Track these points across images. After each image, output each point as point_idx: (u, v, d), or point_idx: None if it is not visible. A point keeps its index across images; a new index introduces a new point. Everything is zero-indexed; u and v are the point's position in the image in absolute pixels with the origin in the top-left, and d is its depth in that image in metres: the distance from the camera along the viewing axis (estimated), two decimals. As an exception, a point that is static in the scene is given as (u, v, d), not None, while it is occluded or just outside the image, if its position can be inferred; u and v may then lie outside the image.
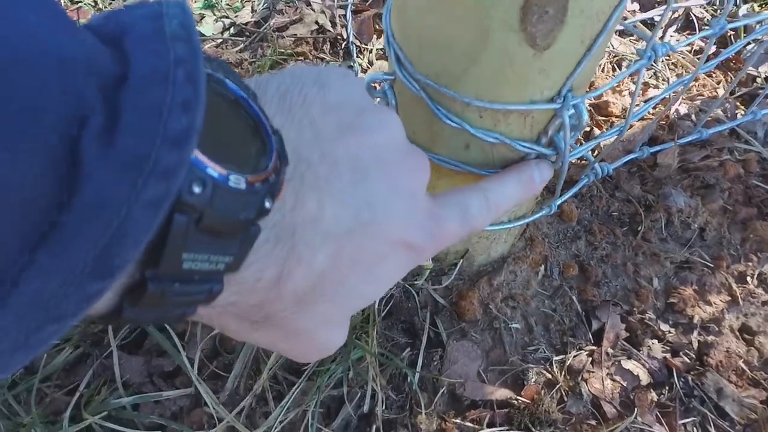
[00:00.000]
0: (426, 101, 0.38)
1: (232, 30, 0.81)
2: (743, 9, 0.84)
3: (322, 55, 0.76)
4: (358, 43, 0.78)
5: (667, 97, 0.51)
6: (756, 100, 0.62)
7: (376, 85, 0.43)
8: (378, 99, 0.44)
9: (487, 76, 0.35)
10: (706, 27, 0.84)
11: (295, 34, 0.77)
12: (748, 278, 0.58)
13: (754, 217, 0.61)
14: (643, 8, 0.85)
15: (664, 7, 0.83)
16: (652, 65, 0.77)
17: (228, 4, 0.85)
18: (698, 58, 0.79)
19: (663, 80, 0.74)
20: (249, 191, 0.15)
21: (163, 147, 0.12)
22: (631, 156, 0.59)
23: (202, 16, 0.83)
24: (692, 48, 0.79)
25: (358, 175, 0.21)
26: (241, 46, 0.78)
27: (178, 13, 0.14)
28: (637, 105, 0.72)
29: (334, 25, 0.80)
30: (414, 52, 0.38)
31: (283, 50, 0.74)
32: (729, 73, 0.76)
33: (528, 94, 0.36)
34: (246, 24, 0.81)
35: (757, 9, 0.83)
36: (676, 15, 0.83)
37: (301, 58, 0.74)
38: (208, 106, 0.14)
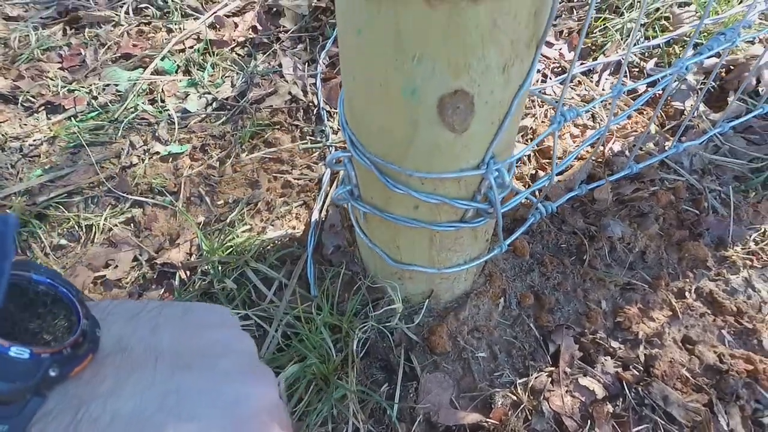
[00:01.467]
0: (376, 174, 0.46)
1: (214, 105, 0.90)
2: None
3: (296, 122, 0.84)
4: (329, 108, 0.87)
5: (602, 137, 0.59)
6: (677, 132, 0.72)
7: (341, 159, 0.51)
8: (341, 171, 0.52)
9: (423, 153, 0.43)
10: (635, 69, 0.95)
11: (271, 106, 0.86)
12: (686, 293, 0.66)
13: (686, 238, 0.69)
14: (582, 56, 0.95)
15: (602, 59, 0.94)
16: (592, 108, 0.86)
17: (210, 81, 0.94)
18: (631, 98, 0.89)
19: (600, 120, 0.84)
20: (32, 360, 0.17)
21: None
22: (572, 194, 0.67)
23: (187, 94, 0.92)
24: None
25: (179, 367, 0.21)
26: (223, 119, 0.87)
27: None
28: (576, 146, 0.81)
29: (305, 93, 0.90)
30: (364, 136, 0.46)
31: (260, 121, 0.83)
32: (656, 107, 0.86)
33: (457, 164, 0.44)
34: (227, 99, 0.90)
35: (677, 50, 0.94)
36: (609, 60, 0.93)
37: (277, 127, 0.83)
38: (10, 297, 0.17)
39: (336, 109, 0.88)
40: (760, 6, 0.83)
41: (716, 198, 0.73)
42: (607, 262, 0.67)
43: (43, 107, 0.89)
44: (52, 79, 0.93)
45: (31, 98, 0.90)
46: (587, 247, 0.67)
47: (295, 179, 0.75)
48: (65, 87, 0.92)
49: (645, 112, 0.85)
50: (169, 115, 0.87)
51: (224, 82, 0.94)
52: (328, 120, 0.85)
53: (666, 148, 0.78)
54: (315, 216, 0.69)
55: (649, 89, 0.83)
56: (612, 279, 0.65)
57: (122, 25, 1.04)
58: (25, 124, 0.87)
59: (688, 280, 0.67)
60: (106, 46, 1.00)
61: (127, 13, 1.07)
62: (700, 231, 0.70)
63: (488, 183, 0.46)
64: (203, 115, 0.88)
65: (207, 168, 0.78)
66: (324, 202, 0.71)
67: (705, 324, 0.63)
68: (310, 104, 0.88)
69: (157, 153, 0.80)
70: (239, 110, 0.87)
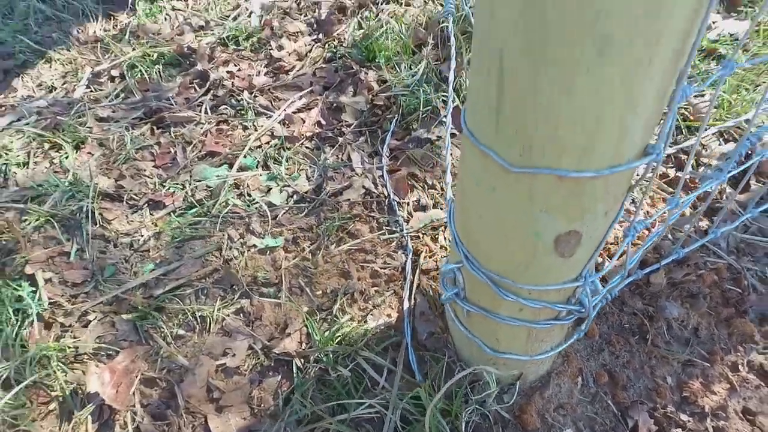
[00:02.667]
0: (490, 285, 0.56)
1: (295, 197, 1.02)
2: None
3: (372, 214, 0.96)
4: (397, 200, 0.99)
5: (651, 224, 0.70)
6: (716, 219, 0.82)
7: (453, 268, 0.61)
8: (454, 282, 0.62)
9: (536, 273, 0.53)
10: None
11: (349, 199, 0.98)
12: (740, 366, 0.74)
13: (733, 315, 0.78)
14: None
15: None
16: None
17: (287, 174, 1.06)
18: (666, 184, 1.00)
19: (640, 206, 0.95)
20: None
21: None
22: (630, 279, 0.77)
23: (269, 188, 1.04)
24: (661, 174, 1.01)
25: None
26: (305, 211, 0.98)
27: None
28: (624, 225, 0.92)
29: (376, 185, 1.02)
30: (481, 256, 0.56)
31: (343, 215, 0.94)
32: (689, 192, 0.97)
33: (561, 279, 0.54)
34: (305, 192, 1.02)
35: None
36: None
37: (357, 218, 0.94)
38: None
39: (403, 200, 0.99)
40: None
41: (754, 276, 0.83)
42: (667, 340, 0.76)
43: (145, 204, 1.00)
44: (149, 177, 1.06)
45: (134, 196, 1.02)
46: (648, 326, 0.76)
47: (380, 268, 0.86)
48: (162, 184, 1.04)
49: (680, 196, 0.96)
50: (257, 208, 0.99)
51: (300, 175, 1.06)
52: (398, 210, 0.96)
53: (700, 228, 0.89)
54: (406, 304, 0.79)
55: (691, 193, 0.96)
56: (674, 356, 0.74)
57: (203, 124, 1.18)
58: (132, 221, 0.98)
59: (739, 354, 0.75)
60: (191, 144, 1.13)
61: (205, 112, 1.21)
62: (744, 308, 0.79)
63: (582, 290, 0.56)
64: (287, 208, 0.99)
65: (302, 260, 0.88)
66: (411, 291, 0.81)
67: (761, 395, 0.71)
68: (381, 195, 1.00)
69: (254, 246, 0.91)
70: (319, 203, 0.99)
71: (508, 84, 0.40)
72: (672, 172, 1.01)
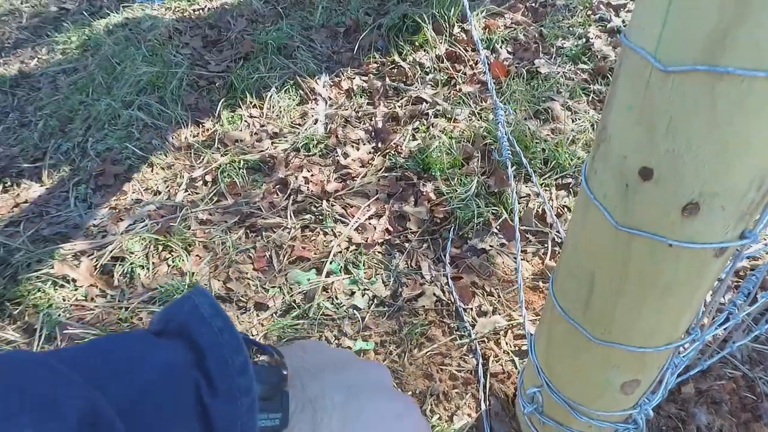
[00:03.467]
0: (566, 408, 0.75)
1: (375, 301, 1.21)
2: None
3: (444, 319, 1.15)
4: (463, 306, 1.19)
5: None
6: (733, 334, 1.01)
7: (535, 391, 0.80)
8: (533, 399, 0.81)
9: (604, 403, 0.72)
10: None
11: (423, 306, 1.18)
12: (759, 465, 0.91)
13: (750, 419, 0.96)
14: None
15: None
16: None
17: (366, 278, 1.27)
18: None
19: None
20: (273, 369, 0.27)
21: (238, 388, 0.24)
22: (667, 388, 0.95)
23: (352, 292, 1.24)
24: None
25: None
26: (387, 315, 1.18)
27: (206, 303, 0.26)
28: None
29: (444, 292, 1.22)
30: (559, 385, 0.75)
31: (421, 322, 1.14)
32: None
33: (623, 407, 0.73)
34: (384, 297, 1.22)
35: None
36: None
37: (432, 324, 1.13)
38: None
39: (467, 305, 1.19)
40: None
41: (766, 384, 1.01)
42: (698, 441, 0.94)
43: (252, 306, 1.20)
44: (251, 280, 1.26)
45: (241, 298, 1.22)
46: (682, 429, 0.94)
47: (456, 371, 1.04)
48: (263, 287, 1.24)
49: (698, 307, 1.16)
50: (345, 311, 1.18)
51: (377, 280, 1.26)
52: (465, 316, 1.16)
53: (718, 337, 1.08)
54: (483, 406, 0.97)
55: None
56: (704, 456, 0.91)
57: (289, 229, 1.40)
58: (242, 321, 1.17)
59: (758, 453, 0.93)
60: (282, 249, 1.34)
61: (290, 218, 1.44)
62: (759, 413, 0.97)
63: (639, 414, 0.75)
64: (370, 312, 1.19)
65: (391, 362, 1.07)
66: (485, 393, 0.99)
67: (777, 492, 0.88)
68: (448, 302, 1.20)
69: (349, 347, 1.10)
70: (397, 308, 1.19)
71: (597, 294, 0.61)
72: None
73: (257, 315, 1.19)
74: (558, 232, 1.32)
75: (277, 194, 1.52)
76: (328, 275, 1.27)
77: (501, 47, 1.99)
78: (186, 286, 1.23)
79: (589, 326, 0.64)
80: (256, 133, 1.75)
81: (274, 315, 1.19)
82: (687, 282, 0.54)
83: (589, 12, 2.11)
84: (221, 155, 1.65)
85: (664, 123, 0.45)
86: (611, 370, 0.66)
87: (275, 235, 1.38)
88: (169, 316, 0.26)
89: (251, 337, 0.40)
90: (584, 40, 1.97)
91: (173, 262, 1.31)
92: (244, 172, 1.60)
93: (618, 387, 0.69)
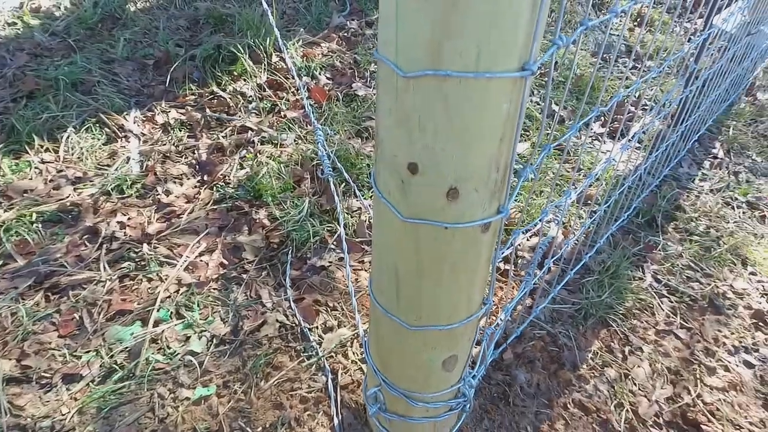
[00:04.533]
0: (404, 398, 0.79)
1: (215, 341, 1.13)
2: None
3: (289, 344, 1.12)
4: (308, 326, 1.18)
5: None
6: (536, 299, 1.19)
7: (375, 390, 0.83)
8: (376, 399, 0.83)
9: (433, 385, 0.78)
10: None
11: (267, 334, 1.13)
12: (568, 405, 1.08)
13: (558, 369, 1.14)
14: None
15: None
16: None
17: (202, 320, 1.18)
18: (501, 275, 1.38)
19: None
20: None
21: None
22: (489, 359, 1.08)
23: (187, 336, 1.14)
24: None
25: None
26: (228, 353, 1.10)
27: None
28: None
29: (287, 317, 1.19)
30: (394, 378, 0.79)
31: (265, 352, 1.09)
32: (516, 285, 1.36)
33: (450, 384, 0.80)
34: (224, 334, 1.14)
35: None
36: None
37: (278, 351, 1.10)
38: None
39: (312, 325, 1.18)
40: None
41: (564, 336, 1.22)
42: (522, 398, 1.07)
43: (59, 380, 1.01)
44: (57, 350, 1.07)
45: (44, 374, 1.02)
46: (509, 392, 1.07)
47: (306, 392, 1.02)
48: (73, 355, 1.06)
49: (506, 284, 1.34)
50: (180, 360, 1.07)
51: (215, 319, 1.18)
52: (311, 336, 1.15)
53: (525, 305, 1.26)
54: (335, 420, 0.96)
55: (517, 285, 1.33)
56: (528, 409, 1.05)
57: (104, 282, 1.23)
58: (47, 401, 0.98)
59: (565, 395, 1.10)
60: (97, 306, 1.17)
61: (104, 269, 1.26)
62: (563, 362, 1.15)
63: (464, 386, 0.83)
64: (210, 354, 1.10)
65: (236, 402, 1.00)
66: (337, 407, 0.99)
67: (583, 423, 1.05)
68: (293, 325, 1.17)
69: (187, 398, 1.00)
70: (239, 343, 1.12)
71: (403, 284, 0.66)
72: (502, 266, 1.40)
73: (67, 389, 1.00)
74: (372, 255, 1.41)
75: (86, 245, 1.33)
76: (156, 324, 1.14)
77: (320, 74, 2.08)
78: (-39, 376, 0.98)
79: (403, 316, 0.69)
80: (51, 180, 1.51)
81: (90, 384, 1.02)
82: (467, 256, 0.62)
83: (395, 40, 2.34)
84: (4, 211, 1.38)
85: (415, 122, 0.51)
86: (430, 351, 0.72)
87: (86, 292, 1.20)
88: None
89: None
90: (393, 64, 2.17)
91: (-60, 350, 1.04)
92: (39, 226, 1.36)
93: (440, 366, 0.75)
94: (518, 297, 1.08)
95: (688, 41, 1.83)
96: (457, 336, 0.72)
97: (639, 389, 1.14)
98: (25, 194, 1.44)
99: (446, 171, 0.54)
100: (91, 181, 1.53)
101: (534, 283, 1.31)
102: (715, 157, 1.99)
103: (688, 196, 1.76)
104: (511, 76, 0.47)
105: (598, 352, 1.20)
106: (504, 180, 0.58)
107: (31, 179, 1.50)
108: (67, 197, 1.45)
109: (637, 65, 2.46)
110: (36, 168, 1.55)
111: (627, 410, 1.09)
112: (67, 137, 1.64)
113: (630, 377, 1.16)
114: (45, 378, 1.02)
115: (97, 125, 1.70)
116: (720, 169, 1.93)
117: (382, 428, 0.89)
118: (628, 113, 2.13)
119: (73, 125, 1.67)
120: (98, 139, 1.66)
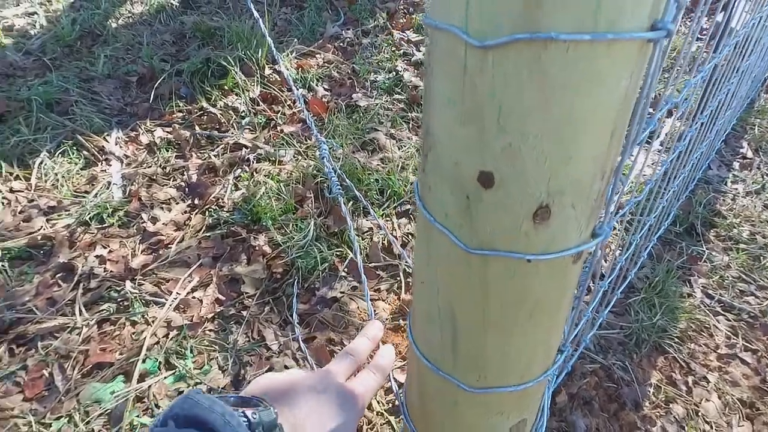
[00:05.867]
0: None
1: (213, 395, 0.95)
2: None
3: (302, 395, 0.95)
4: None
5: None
6: (583, 330, 1.03)
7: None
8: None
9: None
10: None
11: (274, 385, 0.95)
12: (636, 454, 0.91)
13: (617, 409, 0.97)
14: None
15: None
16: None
17: (197, 369, 1.00)
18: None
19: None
20: (266, 412, 0.40)
21: None
22: (547, 413, 0.91)
23: (180, 391, 0.96)
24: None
25: None
26: (229, 410, 0.92)
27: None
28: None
29: (297, 361, 1.02)
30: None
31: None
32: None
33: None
34: (223, 387, 0.96)
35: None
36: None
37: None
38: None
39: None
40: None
41: (618, 368, 1.05)
42: (582, 449, 0.90)
43: (23, 457, 0.83)
44: (20, 417, 0.88)
45: (3, 450, 0.83)
46: (566, 442, 0.89)
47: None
48: (40, 422, 0.88)
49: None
50: (171, 422, 0.89)
51: (212, 367, 1.00)
52: (326, 382, 0.97)
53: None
54: (364, 494, 0.79)
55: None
56: (592, 464, 0.88)
57: (79, 329, 1.05)
58: (7, 486, 0.79)
59: (632, 442, 0.93)
60: (71, 359, 0.99)
61: (80, 313, 1.08)
62: (623, 401, 0.99)
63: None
64: (207, 412, 0.92)
65: (241, 475, 0.81)
66: (365, 475, 0.81)
67: (657, 476, 0.88)
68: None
69: (181, 473, 0.81)
70: (242, 396, 0.94)
71: (462, 335, 0.49)
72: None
73: (33, 468, 0.82)
74: (407, 262, 1.25)
75: (59, 285, 1.15)
76: (141, 379, 0.96)
77: (317, 85, 1.94)
78: None
79: (461, 375, 0.52)
80: (21, 212, 1.34)
81: (61, 460, 0.83)
82: (551, 296, 0.46)
83: (394, 48, 2.22)
84: (-36, 249, 1.20)
85: (493, 113, 0.35)
86: (495, 417, 0.56)
87: (58, 342, 1.02)
88: (172, 414, 0.34)
89: (236, 395, 0.42)
90: (394, 73, 2.04)
91: None
92: (5, 264, 1.18)
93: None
94: (576, 331, 0.91)
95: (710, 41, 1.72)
96: (529, 396, 0.56)
97: (713, 428, 0.97)
98: (-11, 229, 1.27)
99: (535, 181, 0.38)
100: (66, 211, 1.36)
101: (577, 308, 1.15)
102: (744, 157, 1.86)
103: (723, 200, 1.62)
104: (641, 37, 0.32)
105: (659, 386, 1.03)
106: (606, 191, 0.42)
107: (-3, 211, 1.33)
108: (39, 230, 1.27)
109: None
110: (4, 198, 1.37)
111: (704, 456, 0.92)
112: (41, 162, 1.47)
113: (700, 414, 0.99)
114: (4, 455, 0.83)
115: (75, 148, 1.53)
116: (750, 170, 1.79)
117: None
118: (648, 116, 2.00)
119: (48, 149, 1.51)
120: (75, 164, 1.49)
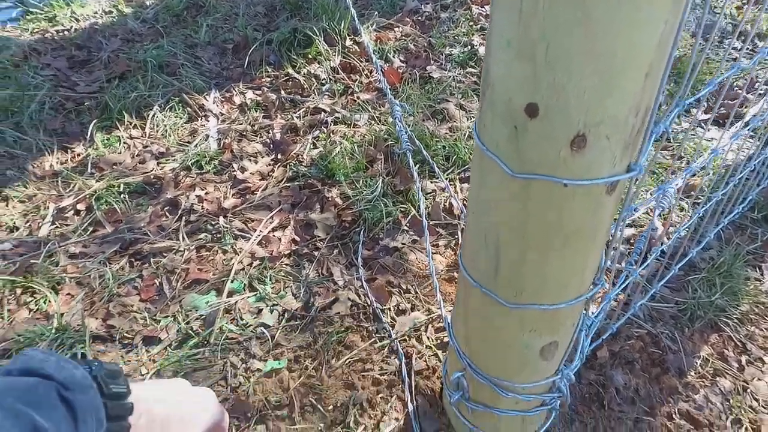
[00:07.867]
0: (492, 387, 0.71)
1: (286, 316, 1.11)
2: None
3: (361, 324, 1.08)
4: (380, 307, 1.12)
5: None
6: (633, 297, 1.06)
7: (459, 375, 0.75)
8: (458, 386, 0.76)
9: (528, 374, 0.69)
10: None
11: (338, 312, 1.09)
12: (673, 415, 0.94)
13: (660, 373, 1.00)
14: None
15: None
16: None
17: (274, 293, 1.16)
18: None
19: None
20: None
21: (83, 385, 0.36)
22: (582, 355, 0.96)
23: (259, 309, 1.12)
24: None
25: None
26: (299, 329, 1.07)
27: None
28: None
29: (359, 296, 1.15)
30: (482, 364, 0.71)
31: (337, 330, 1.05)
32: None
33: (546, 375, 0.70)
34: (295, 309, 1.12)
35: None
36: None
37: (349, 330, 1.05)
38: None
39: (384, 306, 1.13)
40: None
41: (667, 337, 1.07)
42: (618, 402, 0.95)
43: (140, 341, 1.03)
44: (138, 313, 1.09)
45: (126, 334, 1.04)
46: (603, 394, 0.95)
47: (379, 375, 0.97)
48: (153, 318, 1.08)
49: (600, 277, 1.21)
50: (252, 331, 1.06)
51: (286, 293, 1.16)
52: (383, 317, 1.10)
53: (620, 300, 1.13)
54: (410, 407, 0.90)
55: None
56: (626, 416, 0.92)
57: (182, 252, 1.25)
58: (129, 360, 1.00)
59: (670, 404, 0.96)
60: (175, 274, 1.19)
61: (183, 239, 1.28)
62: (666, 366, 1.01)
63: (562, 380, 0.73)
64: (281, 328, 1.08)
65: (307, 378, 0.96)
66: (411, 393, 0.93)
67: (693, 438, 0.91)
68: (365, 305, 1.13)
69: (259, 370, 0.98)
70: (311, 319, 1.09)
71: (504, 254, 0.58)
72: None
73: (147, 351, 1.02)
74: (466, 222, 1.32)
75: (167, 216, 1.36)
76: (230, 295, 1.14)
77: (394, 56, 2.03)
78: (53, 331, 1.02)
79: (500, 291, 0.61)
80: (138, 155, 1.57)
81: (168, 348, 1.03)
82: (585, 223, 0.53)
83: (471, 23, 2.24)
84: (96, 181, 1.45)
85: (542, 52, 0.43)
86: (529, 335, 0.64)
87: (165, 260, 1.22)
88: (5, 370, 0.35)
89: (115, 367, 0.45)
90: (469, 47, 2.08)
91: (36, 305, 1.09)
92: (126, 196, 1.42)
93: (537, 352, 0.66)
94: (618, 288, 0.96)
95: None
96: (561, 319, 0.63)
97: (761, 406, 0.97)
98: (114, 167, 1.51)
99: (575, 112, 0.45)
100: (173, 156, 1.58)
101: (629, 277, 1.17)
102: None
103: (814, 190, 1.51)
104: (676, -16, 0.38)
105: (708, 359, 1.04)
106: (642, 128, 0.48)
107: (120, 153, 1.58)
108: (151, 171, 1.50)
109: (747, 47, 2.18)
110: (125, 143, 1.62)
111: (746, 428, 0.93)
112: (153, 115, 1.70)
113: (749, 391, 0.99)
114: (127, 338, 1.04)
115: (180, 104, 1.75)
116: None
117: (463, 418, 0.81)
118: (735, 98, 1.88)
119: (159, 104, 1.74)
120: (180, 118, 1.72)
